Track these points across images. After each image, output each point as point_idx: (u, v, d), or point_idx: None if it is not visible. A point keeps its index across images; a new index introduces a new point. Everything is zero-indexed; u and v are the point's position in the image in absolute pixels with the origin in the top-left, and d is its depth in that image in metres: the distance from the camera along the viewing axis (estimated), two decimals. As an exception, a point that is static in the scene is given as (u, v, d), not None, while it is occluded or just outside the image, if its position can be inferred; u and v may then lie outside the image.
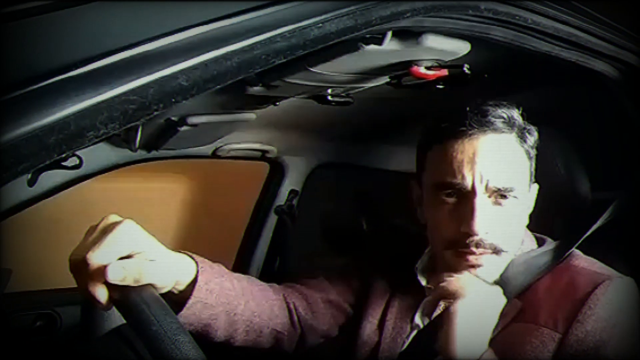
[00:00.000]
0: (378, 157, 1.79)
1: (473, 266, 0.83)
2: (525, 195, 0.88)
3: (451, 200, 0.84)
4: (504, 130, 0.84)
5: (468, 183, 0.82)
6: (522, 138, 0.86)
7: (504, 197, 0.83)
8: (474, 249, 0.82)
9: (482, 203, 0.81)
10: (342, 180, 1.84)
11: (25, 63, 0.44)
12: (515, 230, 0.87)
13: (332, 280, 1.02)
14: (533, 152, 0.89)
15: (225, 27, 0.52)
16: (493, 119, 0.83)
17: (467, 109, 0.83)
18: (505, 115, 0.84)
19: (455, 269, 0.83)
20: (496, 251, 0.83)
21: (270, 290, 0.94)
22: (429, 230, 0.90)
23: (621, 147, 1.14)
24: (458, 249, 0.83)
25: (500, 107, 0.84)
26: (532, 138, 0.88)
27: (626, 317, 0.80)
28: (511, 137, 0.85)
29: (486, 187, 0.82)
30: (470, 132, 0.82)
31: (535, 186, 0.92)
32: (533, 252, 0.90)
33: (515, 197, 0.84)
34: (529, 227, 0.94)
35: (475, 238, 0.81)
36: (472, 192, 0.81)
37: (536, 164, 0.90)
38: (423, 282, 0.93)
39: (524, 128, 0.87)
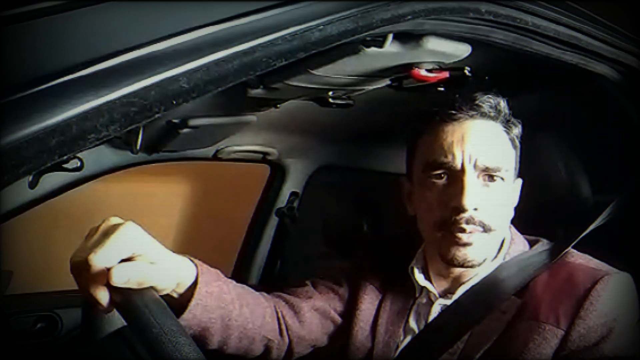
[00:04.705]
0: (379, 159, 1.78)
1: (464, 245, 0.84)
2: (512, 183, 0.90)
3: (441, 181, 0.87)
4: (491, 115, 0.88)
5: (458, 162, 0.85)
6: (508, 127, 0.90)
7: (491, 178, 0.86)
8: (464, 226, 0.83)
9: (472, 181, 0.84)
10: (343, 182, 1.83)
11: (26, 65, 0.45)
12: (503, 212, 0.89)
13: (319, 287, 1.01)
14: (518, 143, 0.92)
15: (226, 30, 0.52)
16: (481, 104, 0.88)
17: (456, 95, 0.89)
18: (491, 101, 0.88)
19: (447, 250, 0.85)
20: (486, 229, 0.85)
21: (262, 297, 0.93)
22: (419, 218, 0.92)
23: (622, 150, 1.14)
24: (449, 228, 0.85)
25: (487, 94, 0.89)
26: (517, 129, 0.92)
27: (625, 311, 0.82)
28: (497, 124, 0.89)
29: (475, 166, 0.85)
30: (459, 115, 0.87)
31: (520, 181, 0.94)
32: (526, 254, 0.91)
33: (502, 178, 0.87)
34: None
35: (465, 215, 0.83)
36: (462, 171, 0.85)
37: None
38: (420, 281, 0.93)
39: (509, 120, 0.91)
